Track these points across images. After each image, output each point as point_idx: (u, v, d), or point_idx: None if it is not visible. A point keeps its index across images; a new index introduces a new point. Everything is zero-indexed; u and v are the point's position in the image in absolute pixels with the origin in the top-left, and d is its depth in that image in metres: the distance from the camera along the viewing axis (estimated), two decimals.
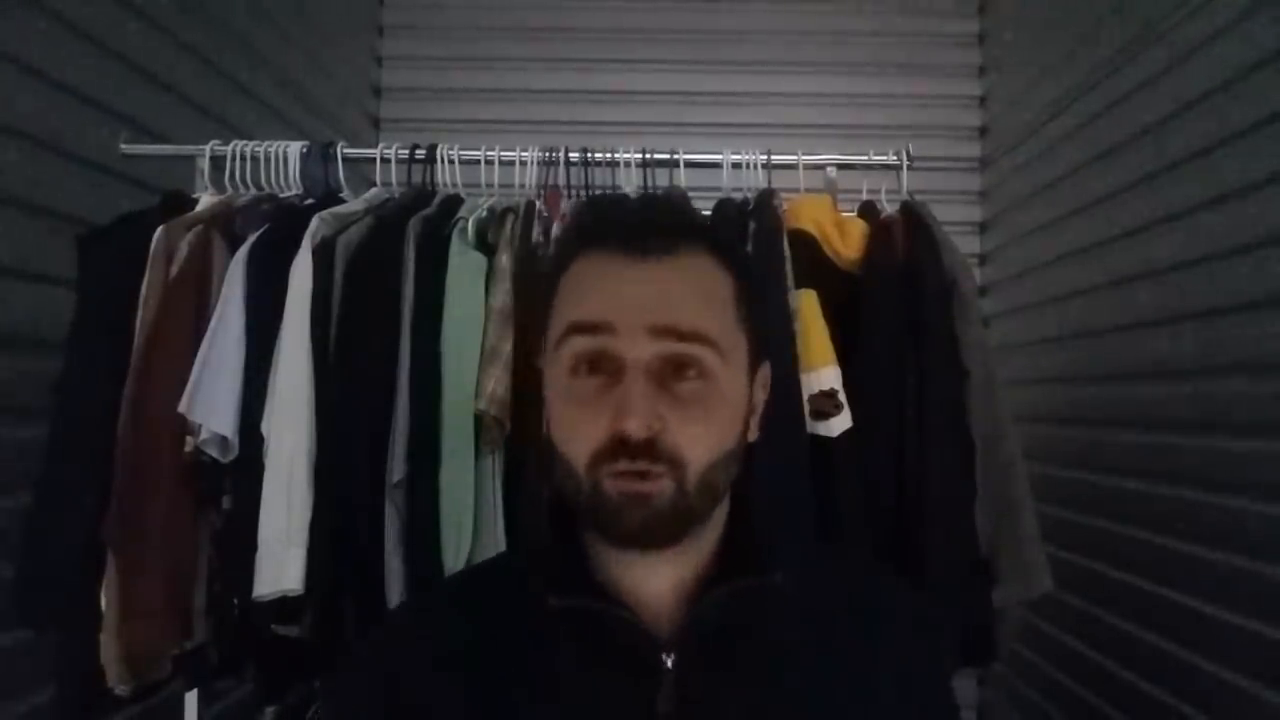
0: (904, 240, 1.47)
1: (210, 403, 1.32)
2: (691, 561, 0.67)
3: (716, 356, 0.63)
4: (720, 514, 0.69)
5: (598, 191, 1.62)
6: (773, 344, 1.37)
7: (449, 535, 1.30)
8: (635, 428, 0.60)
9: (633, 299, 0.62)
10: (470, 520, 1.31)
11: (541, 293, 0.69)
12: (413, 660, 0.67)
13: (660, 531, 0.62)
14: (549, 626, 0.65)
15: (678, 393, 0.62)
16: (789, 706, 0.65)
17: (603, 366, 0.62)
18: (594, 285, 0.64)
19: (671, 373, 0.62)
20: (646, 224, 0.65)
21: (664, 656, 0.64)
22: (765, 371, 0.70)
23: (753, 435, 0.69)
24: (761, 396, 0.70)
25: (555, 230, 1.46)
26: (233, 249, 1.42)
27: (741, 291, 0.66)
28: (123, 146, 1.59)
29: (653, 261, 0.63)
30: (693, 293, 0.63)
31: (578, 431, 0.63)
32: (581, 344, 0.62)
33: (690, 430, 0.62)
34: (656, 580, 0.67)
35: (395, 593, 1.31)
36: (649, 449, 0.60)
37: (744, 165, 1.60)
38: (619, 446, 0.60)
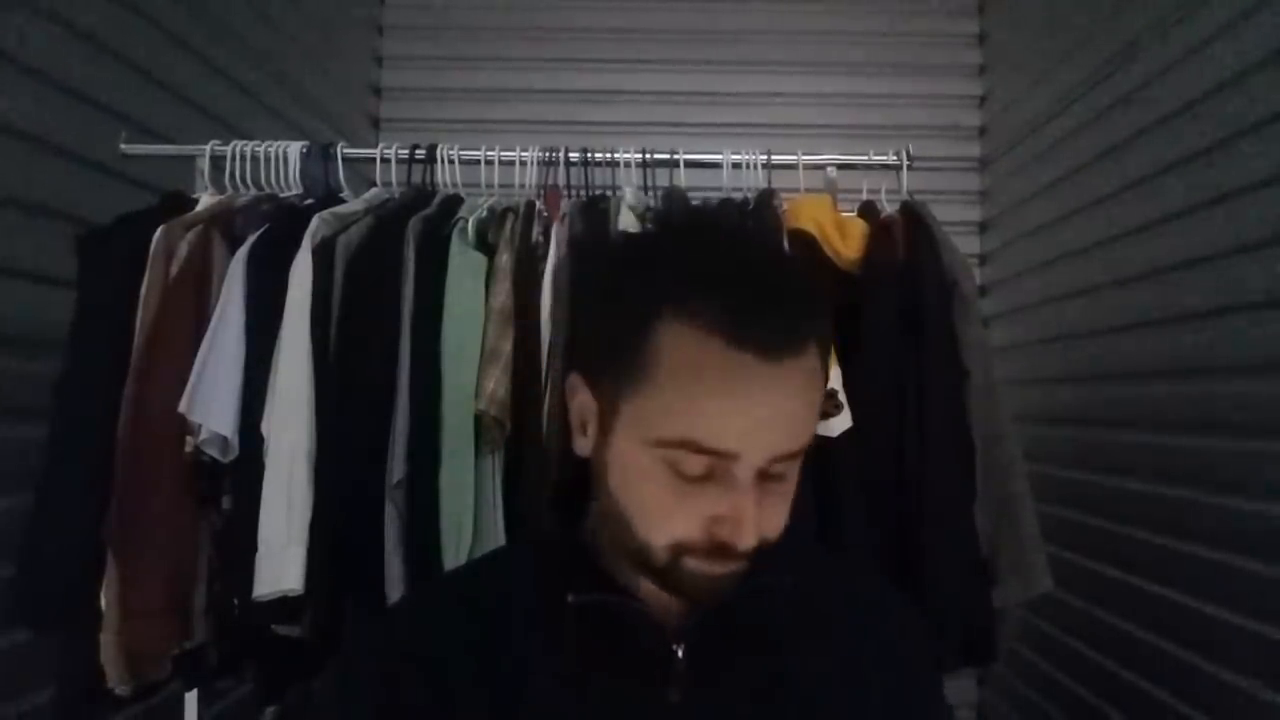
0: (904, 240, 1.47)
1: (210, 403, 1.32)
2: None
3: (801, 459, 0.63)
4: None
5: (597, 192, 1.62)
6: None
7: (449, 535, 1.30)
8: (746, 543, 0.59)
9: (761, 418, 0.58)
10: (470, 520, 1.31)
11: (611, 330, 0.62)
12: (415, 654, 0.66)
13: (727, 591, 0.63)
14: (558, 620, 0.65)
15: (772, 491, 0.61)
16: (793, 702, 0.67)
17: (708, 474, 0.60)
18: (719, 394, 0.57)
19: (771, 477, 0.61)
20: (769, 305, 0.58)
21: (675, 647, 0.65)
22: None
23: None
24: None
25: (555, 230, 1.46)
26: (233, 249, 1.42)
27: (825, 375, 0.64)
28: (123, 146, 1.59)
29: (782, 368, 0.57)
30: (807, 405, 0.61)
31: (666, 517, 0.60)
32: (694, 461, 0.59)
33: (777, 520, 0.63)
34: None
35: (395, 593, 1.31)
36: (750, 553, 0.60)
37: (744, 165, 1.60)
38: (722, 550, 0.60)
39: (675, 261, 0.61)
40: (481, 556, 0.83)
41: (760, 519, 0.60)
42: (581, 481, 0.70)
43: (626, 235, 0.81)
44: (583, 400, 0.66)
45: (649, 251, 0.65)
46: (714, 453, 0.58)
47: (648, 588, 0.66)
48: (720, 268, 0.60)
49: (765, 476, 0.60)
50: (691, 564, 0.61)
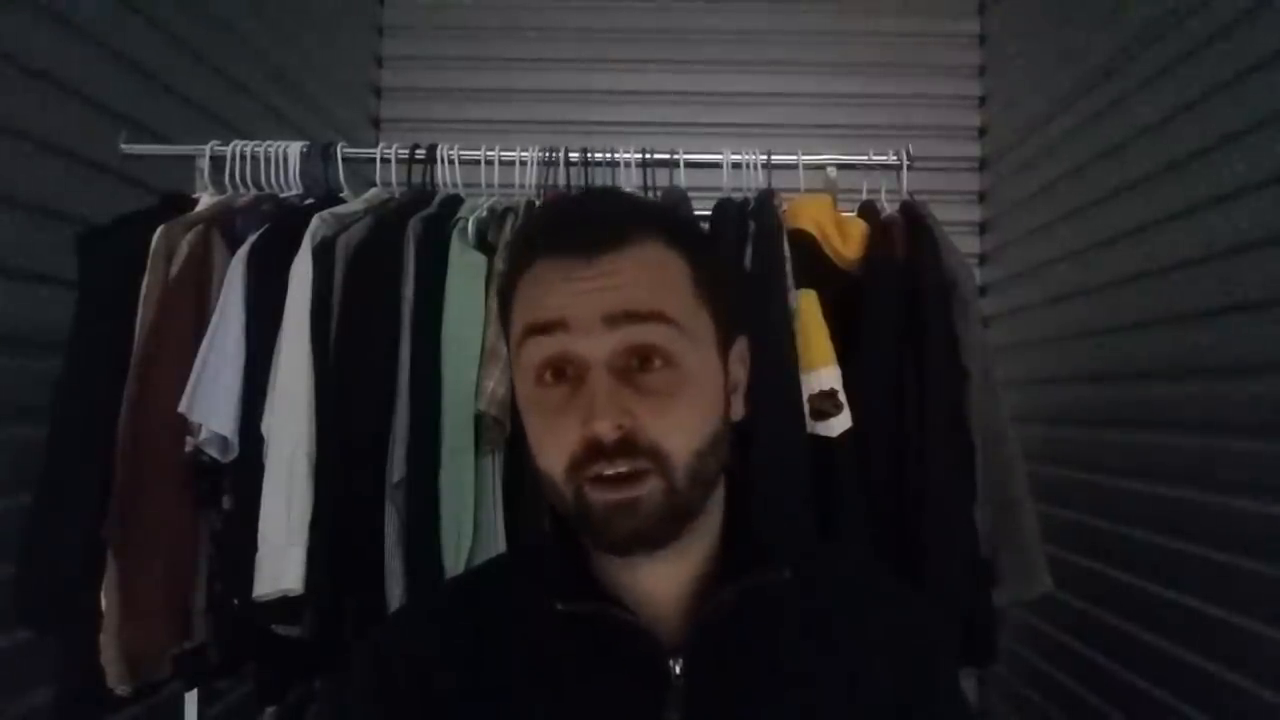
0: (904, 240, 1.47)
1: (210, 403, 1.32)
2: (694, 556, 0.66)
3: (680, 336, 0.60)
4: (717, 503, 0.67)
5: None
6: (772, 344, 1.38)
7: (449, 535, 1.30)
8: (604, 428, 0.57)
9: (585, 293, 0.60)
10: (470, 520, 1.31)
11: (501, 306, 0.67)
12: (413, 665, 0.65)
13: (654, 534, 0.60)
14: (553, 631, 0.64)
15: (645, 384, 0.59)
16: (797, 707, 0.64)
17: (566, 372, 0.60)
18: (547, 287, 0.61)
19: (637, 366, 0.60)
20: (593, 220, 0.63)
21: (671, 663, 0.63)
22: (741, 347, 0.69)
23: (736, 414, 0.67)
24: (742, 373, 0.68)
25: None
26: (233, 249, 1.42)
27: (700, 269, 0.64)
28: (123, 146, 1.58)
29: (602, 257, 0.60)
30: (645, 277, 0.61)
31: (551, 442, 0.60)
32: (539, 347, 0.60)
33: (665, 420, 0.59)
34: (659, 580, 0.65)
35: (395, 593, 1.31)
36: (625, 448, 0.58)
37: (744, 165, 1.60)
38: (593, 451, 0.58)
39: (531, 223, 0.68)
40: (482, 564, 0.82)
41: (644, 416, 0.58)
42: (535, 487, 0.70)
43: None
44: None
45: (518, 230, 0.71)
46: (545, 326, 0.60)
47: (640, 590, 0.65)
48: (561, 210, 0.69)
49: (628, 367, 0.59)
50: (592, 494, 0.59)
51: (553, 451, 0.60)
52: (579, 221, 0.64)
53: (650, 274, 0.61)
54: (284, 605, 1.30)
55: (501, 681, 0.64)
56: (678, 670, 0.62)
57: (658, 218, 0.66)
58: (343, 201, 1.53)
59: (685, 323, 0.61)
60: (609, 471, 0.58)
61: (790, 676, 0.65)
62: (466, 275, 1.38)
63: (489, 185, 1.58)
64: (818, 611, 0.68)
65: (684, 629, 0.64)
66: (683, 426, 0.60)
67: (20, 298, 1.46)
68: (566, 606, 0.63)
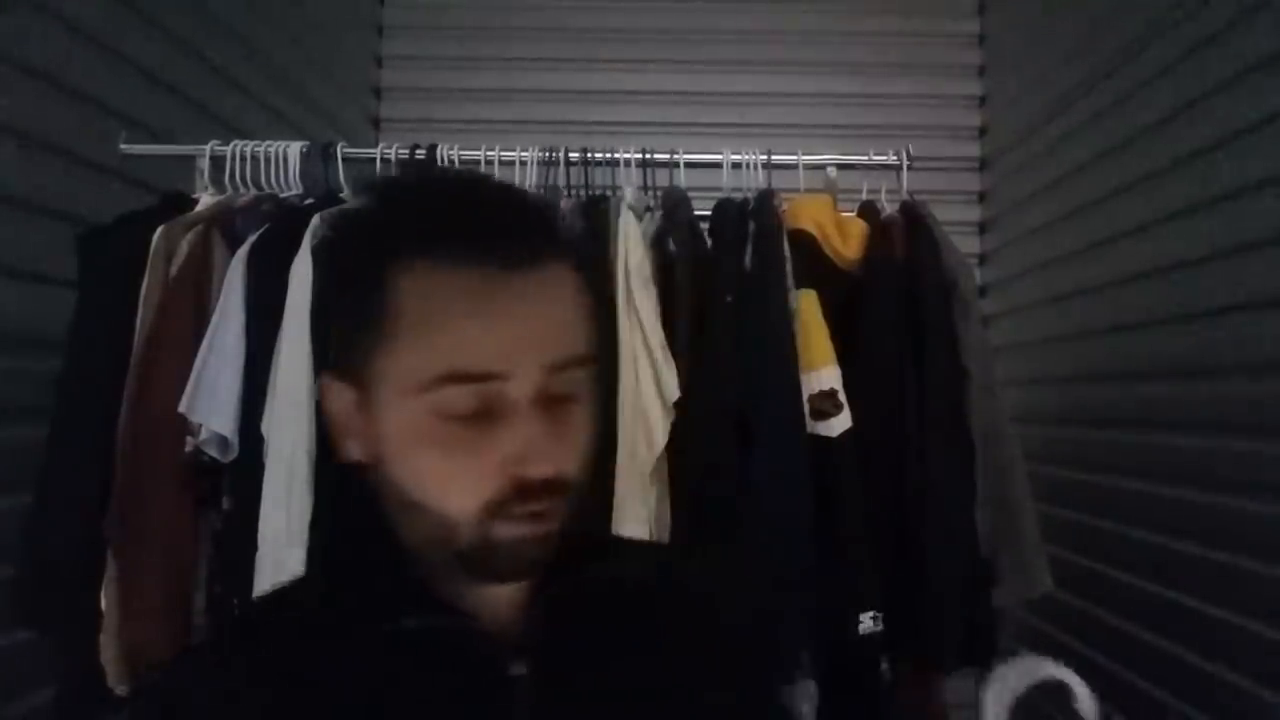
0: (904, 240, 1.47)
1: (210, 403, 1.32)
2: None
3: (589, 376, 0.58)
4: None
5: (597, 192, 1.62)
6: (772, 344, 1.38)
7: None
8: (541, 473, 0.54)
9: (519, 332, 0.54)
10: None
11: (349, 305, 0.57)
12: (207, 713, 0.57)
13: (547, 563, 0.57)
14: (380, 653, 0.58)
15: (564, 421, 0.56)
16: (635, 703, 0.61)
17: (483, 405, 0.54)
18: (470, 314, 0.53)
19: (554, 400, 0.56)
20: (507, 228, 0.56)
21: (512, 665, 0.59)
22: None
23: None
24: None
25: None
26: (233, 249, 1.42)
27: (593, 293, 0.60)
28: (123, 146, 1.59)
29: (520, 276, 0.54)
30: (568, 314, 0.56)
31: (456, 481, 0.55)
32: (462, 394, 0.53)
33: (578, 458, 0.57)
34: (500, 587, 0.61)
35: None
36: (550, 488, 0.55)
37: (744, 165, 1.60)
38: (520, 493, 0.54)
39: (403, 210, 0.58)
40: (279, 589, 0.70)
41: (552, 449, 0.55)
42: (358, 498, 0.62)
43: (340, 213, 0.73)
44: (338, 398, 0.59)
45: (371, 215, 0.59)
46: (480, 377, 0.53)
47: (476, 602, 0.60)
48: (448, 202, 0.58)
49: (548, 400, 0.55)
50: (504, 531, 0.55)
51: (464, 492, 0.55)
52: (488, 224, 0.56)
53: (570, 306, 0.57)
54: None
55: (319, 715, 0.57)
56: (521, 671, 0.59)
57: (564, 234, 0.60)
58: (343, 202, 1.53)
59: (594, 359, 0.58)
60: (534, 509, 0.55)
61: (626, 669, 0.62)
62: None
63: None
64: (649, 614, 0.66)
65: (522, 628, 0.61)
66: (587, 461, 0.58)
67: (20, 298, 1.46)
68: (400, 623, 0.58)
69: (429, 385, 0.53)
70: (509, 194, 0.61)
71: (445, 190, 0.60)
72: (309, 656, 0.59)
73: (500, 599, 0.60)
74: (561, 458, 0.55)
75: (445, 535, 0.56)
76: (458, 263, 0.53)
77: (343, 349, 0.59)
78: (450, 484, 0.55)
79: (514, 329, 0.54)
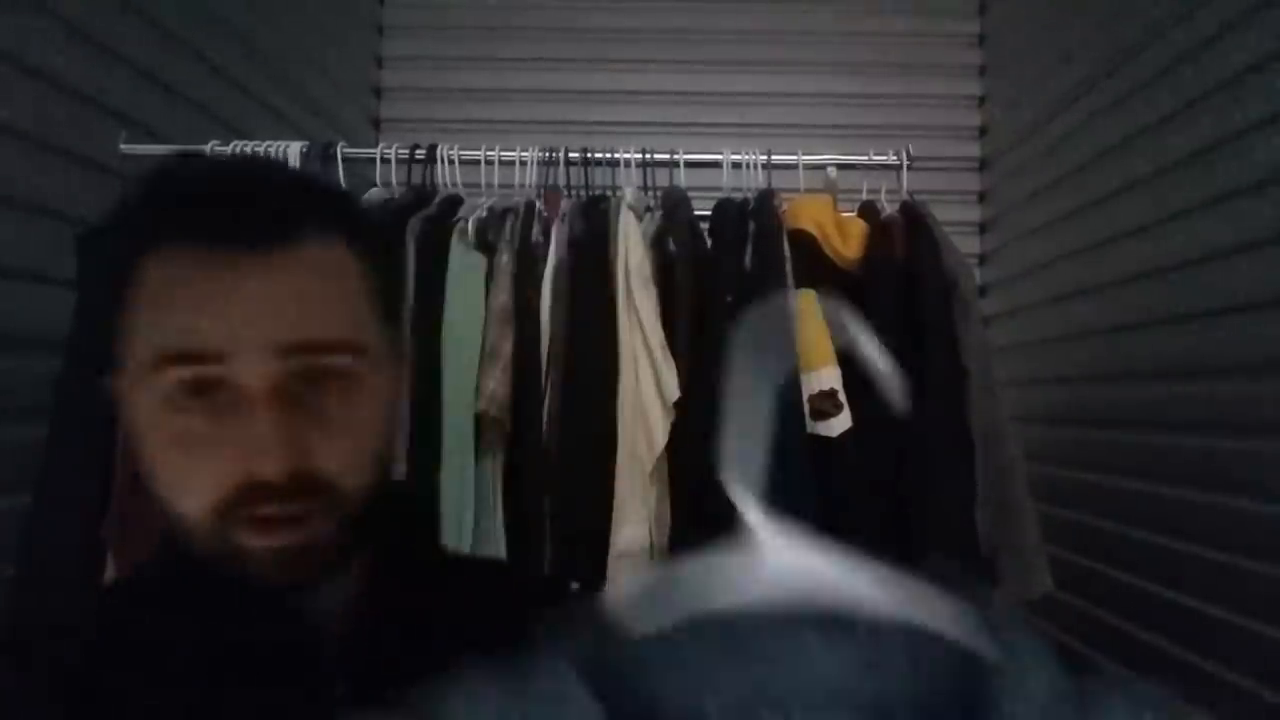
0: (904, 240, 1.47)
1: None
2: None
3: (361, 361, 0.52)
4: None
5: (597, 192, 1.62)
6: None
7: (449, 535, 1.30)
8: (274, 471, 0.48)
9: (246, 310, 0.48)
10: (470, 519, 1.31)
11: (107, 296, 0.53)
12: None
13: (319, 578, 0.52)
14: (195, 654, 0.54)
15: (320, 411, 0.50)
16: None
17: (212, 393, 0.49)
18: (186, 291, 0.49)
19: (310, 389, 0.50)
20: (255, 199, 0.51)
21: (328, 644, 0.56)
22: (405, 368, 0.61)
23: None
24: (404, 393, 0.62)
25: (554, 230, 1.46)
26: None
27: (380, 276, 0.55)
28: (123, 146, 1.59)
29: (263, 255, 0.49)
30: (326, 291, 0.51)
31: (187, 480, 0.50)
32: (180, 376, 0.48)
33: (344, 455, 0.51)
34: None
35: None
36: (296, 488, 0.49)
37: (744, 165, 1.60)
38: (255, 494, 0.48)
39: (159, 197, 0.53)
40: (92, 591, 0.66)
41: (318, 446, 0.49)
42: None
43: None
44: (115, 395, 0.55)
45: (130, 204, 0.55)
46: (196, 357, 0.48)
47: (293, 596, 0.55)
48: (205, 185, 0.53)
49: (296, 388, 0.50)
50: (247, 537, 0.49)
51: (191, 491, 0.50)
52: (233, 197, 0.51)
53: (331, 287, 0.52)
54: None
55: None
56: (337, 652, 0.56)
57: (338, 209, 0.55)
58: None
59: (369, 345, 0.53)
60: (276, 512, 0.49)
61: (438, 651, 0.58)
62: (466, 275, 1.39)
63: (489, 185, 1.58)
64: (451, 632, 0.62)
65: (342, 641, 0.57)
66: (361, 461, 0.52)
67: (20, 298, 1.46)
68: (230, 629, 0.53)
69: (151, 369, 0.49)
70: (271, 174, 0.57)
71: (202, 174, 0.56)
72: (127, 660, 0.55)
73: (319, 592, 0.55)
74: (313, 453, 0.49)
75: (189, 539, 0.51)
76: (199, 244, 0.49)
77: (108, 343, 0.55)
78: (182, 482, 0.51)
79: (241, 307, 0.48)
